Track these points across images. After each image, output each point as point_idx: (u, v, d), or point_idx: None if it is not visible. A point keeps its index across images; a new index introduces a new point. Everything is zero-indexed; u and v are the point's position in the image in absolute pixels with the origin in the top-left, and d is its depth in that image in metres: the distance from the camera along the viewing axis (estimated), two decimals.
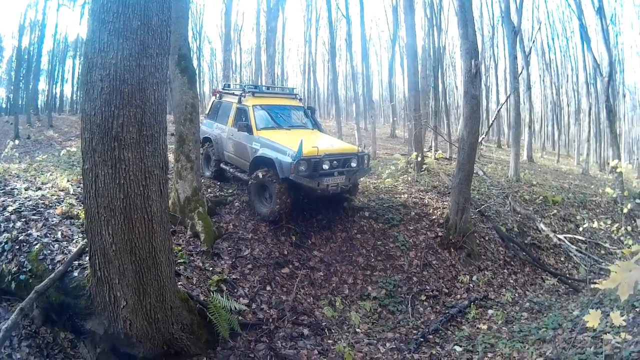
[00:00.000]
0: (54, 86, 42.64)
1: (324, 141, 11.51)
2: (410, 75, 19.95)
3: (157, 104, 5.93)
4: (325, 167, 10.60)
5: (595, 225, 14.43)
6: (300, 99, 14.38)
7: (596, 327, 6.91)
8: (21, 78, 37.56)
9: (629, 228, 15.23)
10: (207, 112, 14.95)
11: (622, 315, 4.10)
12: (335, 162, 10.81)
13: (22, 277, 7.20)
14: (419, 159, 17.02)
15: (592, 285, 11.30)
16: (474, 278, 11.47)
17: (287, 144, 10.61)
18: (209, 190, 11.96)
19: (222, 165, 13.19)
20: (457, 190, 12.20)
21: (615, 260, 12.99)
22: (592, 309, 7.72)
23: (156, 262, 6.34)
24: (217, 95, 14.47)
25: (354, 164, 11.18)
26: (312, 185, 10.45)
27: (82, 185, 6.91)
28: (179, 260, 8.78)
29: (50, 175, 10.84)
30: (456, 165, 12.98)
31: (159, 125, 6.01)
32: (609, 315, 7.03)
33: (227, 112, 13.16)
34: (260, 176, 10.72)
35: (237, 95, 12.94)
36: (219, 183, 12.97)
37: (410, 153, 17.68)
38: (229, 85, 15.61)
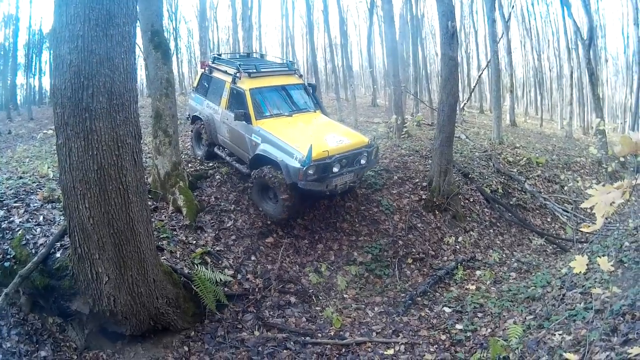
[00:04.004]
0: (33, 79, 42.04)
1: (333, 136, 10.33)
2: (388, 41, 19.66)
3: (126, 72, 5.89)
4: (336, 170, 9.81)
5: (580, 184, 14.49)
6: (300, 75, 12.90)
7: (585, 284, 6.92)
8: None
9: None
10: (194, 84, 13.81)
11: (610, 257, 4.08)
12: (344, 160, 9.99)
13: (6, 264, 7.11)
14: (399, 122, 16.85)
15: (580, 231, 11.38)
16: (460, 239, 11.48)
17: (293, 143, 9.69)
18: (189, 165, 11.77)
19: (216, 150, 12.11)
20: (438, 152, 12.14)
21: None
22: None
23: (134, 233, 6.31)
24: (206, 68, 12.82)
25: (363, 161, 10.38)
26: (320, 189, 9.86)
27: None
28: (162, 235, 8.71)
29: (31, 164, 10.75)
30: (436, 127, 12.88)
31: (129, 94, 5.98)
32: (597, 272, 7.09)
33: (220, 90, 11.85)
34: (263, 176, 10.00)
35: (230, 73, 11.52)
36: (196, 157, 12.60)
37: (391, 118, 17.50)
38: (219, 56, 13.38)
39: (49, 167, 10.03)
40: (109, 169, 5.82)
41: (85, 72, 5.47)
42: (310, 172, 9.29)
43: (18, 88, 39.51)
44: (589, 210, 13.53)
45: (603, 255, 6.95)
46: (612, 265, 3.79)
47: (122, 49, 5.79)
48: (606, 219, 10.33)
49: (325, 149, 9.63)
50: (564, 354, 4.62)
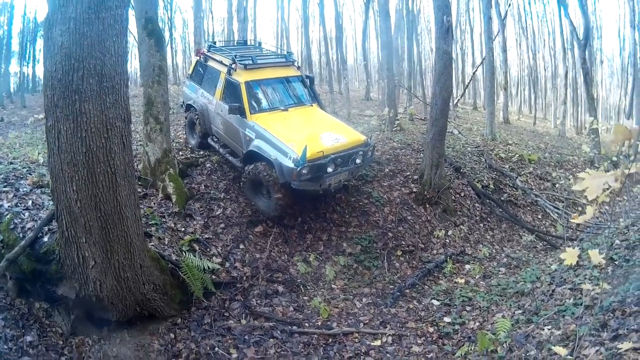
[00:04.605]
0: (27, 67, 41.76)
1: (329, 134, 10.11)
2: (383, 35, 19.53)
3: (117, 55, 5.87)
4: (330, 170, 9.66)
5: (571, 182, 14.49)
6: (298, 67, 12.62)
7: (575, 280, 6.90)
8: None
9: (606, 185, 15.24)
10: (189, 72, 13.44)
11: (601, 254, 4.03)
12: (340, 159, 9.78)
13: None
14: (391, 114, 16.76)
15: (571, 228, 11.38)
16: (450, 233, 11.50)
17: (288, 142, 9.50)
18: (180, 153, 11.69)
19: (209, 140, 11.88)
20: (430, 145, 12.13)
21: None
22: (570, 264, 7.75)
23: (122, 217, 6.27)
24: (202, 56, 12.50)
25: (359, 160, 10.22)
26: (314, 188, 9.77)
27: None
28: (151, 222, 8.66)
29: (22, 150, 10.73)
30: (429, 120, 12.86)
31: (120, 77, 5.95)
32: (587, 269, 7.07)
33: (214, 80, 11.57)
34: (256, 173, 9.87)
35: (225, 64, 11.23)
36: (188, 145, 12.51)
37: (384, 111, 17.36)
38: (214, 44, 13.26)
39: (39, 154, 9.97)
40: (97, 152, 5.79)
41: (76, 54, 5.45)
42: (304, 172, 9.18)
43: (11, 76, 39.18)
44: (580, 209, 13.62)
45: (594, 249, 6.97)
46: (603, 259, 3.73)
47: (114, 32, 5.76)
48: (597, 218, 10.34)
49: (320, 149, 9.50)
50: (552, 347, 4.58)
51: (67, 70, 5.47)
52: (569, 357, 4.24)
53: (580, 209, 14.20)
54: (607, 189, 2.79)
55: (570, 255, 3.59)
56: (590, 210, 3.33)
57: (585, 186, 2.81)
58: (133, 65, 36.96)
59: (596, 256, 3.63)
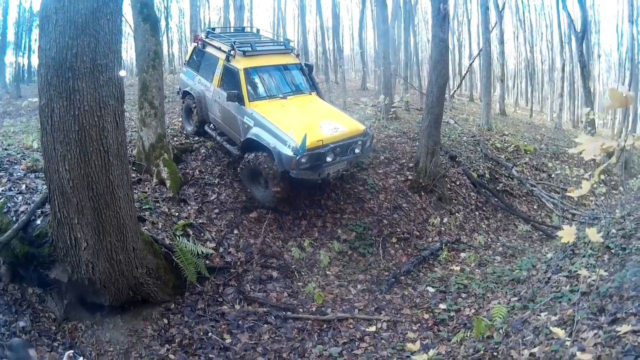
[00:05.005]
0: (22, 58, 41.61)
1: (328, 123, 9.99)
2: (379, 23, 19.41)
3: (112, 33, 5.88)
4: (329, 159, 9.53)
5: (567, 172, 14.47)
6: (297, 55, 12.35)
7: (571, 268, 6.86)
8: None
9: (602, 177, 15.28)
10: (186, 58, 13.12)
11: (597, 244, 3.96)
12: (339, 149, 9.66)
13: None
14: (387, 101, 16.56)
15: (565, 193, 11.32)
16: (445, 221, 11.47)
17: (287, 130, 9.37)
18: (174, 139, 11.58)
19: (206, 128, 11.69)
20: (426, 133, 12.06)
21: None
22: (566, 252, 7.71)
23: (114, 198, 6.27)
24: (199, 42, 12.23)
25: (357, 150, 10.11)
26: (312, 177, 9.66)
27: None
28: (144, 207, 8.62)
29: (17, 137, 10.79)
30: (425, 108, 12.80)
31: (113, 55, 5.96)
32: (584, 257, 7.04)
33: (212, 67, 11.36)
34: (254, 162, 9.74)
35: (224, 50, 11.02)
36: (184, 132, 12.43)
37: (379, 98, 17.16)
38: (213, 30, 13.02)
39: (33, 140, 9.94)
40: (90, 130, 5.79)
41: (70, 32, 5.48)
42: (303, 161, 9.06)
43: (7, 67, 39.05)
44: (575, 199, 13.61)
45: (590, 251, 6.95)
46: (600, 238, 3.67)
47: (108, 10, 5.77)
48: (592, 210, 10.28)
49: (320, 138, 9.37)
50: (551, 328, 4.53)
51: (61, 48, 5.50)
52: (567, 338, 4.19)
53: (576, 199, 14.19)
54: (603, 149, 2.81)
55: (567, 233, 3.52)
56: (586, 185, 3.27)
57: (581, 149, 2.87)
58: (129, 54, 36.82)
59: (594, 234, 3.56)
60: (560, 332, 4.19)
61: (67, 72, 5.54)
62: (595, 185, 14.78)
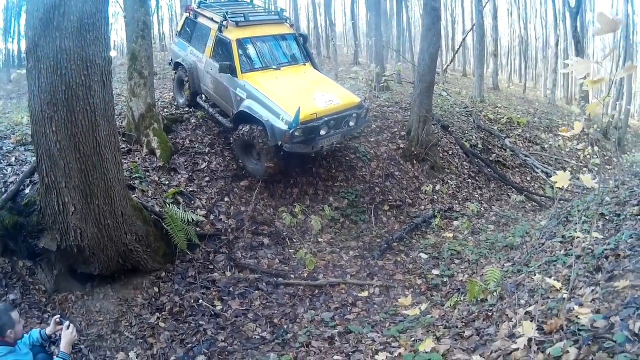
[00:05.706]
0: (11, 43, 41.34)
1: (322, 95, 9.80)
2: None
3: None
4: (323, 132, 9.35)
5: (560, 144, 14.42)
6: (291, 24, 12.11)
7: (565, 233, 6.81)
8: None
9: (596, 148, 15.28)
10: (178, 29, 12.92)
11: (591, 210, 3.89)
12: (333, 122, 9.45)
13: None
14: (378, 69, 16.33)
15: (559, 188, 11.26)
16: (437, 189, 11.45)
17: (280, 102, 9.21)
18: (164, 110, 11.44)
19: (198, 99, 11.46)
20: (418, 101, 12.01)
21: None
22: (559, 219, 7.67)
23: (101, 159, 6.19)
24: (191, 12, 11.95)
25: (352, 123, 9.92)
26: (306, 151, 9.54)
27: None
28: (134, 175, 8.53)
29: (7, 116, 10.84)
30: (416, 76, 12.71)
31: (101, 14, 5.92)
32: (577, 223, 6.99)
33: (204, 38, 11.12)
34: (247, 135, 9.54)
35: (216, 21, 10.70)
36: (176, 103, 12.20)
37: (370, 66, 16.93)
38: (205, 0, 12.54)
39: (22, 117, 9.86)
40: (76, 89, 5.73)
41: None
42: (297, 134, 8.90)
43: None
44: (568, 170, 13.59)
45: (583, 218, 6.88)
46: (595, 184, 3.59)
47: None
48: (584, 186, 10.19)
49: (314, 111, 9.18)
50: (547, 280, 4.45)
51: (49, 8, 5.46)
52: (564, 294, 4.13)
53: (568, 170, 14.15)
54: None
55: (561, 178, 3.43)
56: (578, 125, 3.20)
57: (571, 70, 2.77)
58: (119, 35, 36.54)
59: (588, 181, 3.48)
60: (557, 284, 4.13)
61: (54, 31, 5.49)
62: (589, 157, 14.77)
